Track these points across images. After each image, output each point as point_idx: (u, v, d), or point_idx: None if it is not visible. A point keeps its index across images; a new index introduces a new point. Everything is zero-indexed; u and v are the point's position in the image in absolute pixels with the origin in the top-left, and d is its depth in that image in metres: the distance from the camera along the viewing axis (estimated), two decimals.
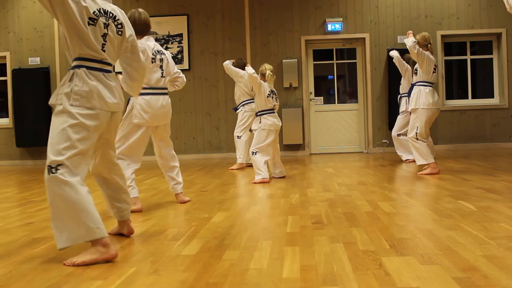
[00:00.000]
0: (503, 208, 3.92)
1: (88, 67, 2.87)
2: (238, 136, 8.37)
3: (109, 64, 2.99)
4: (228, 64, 8.36)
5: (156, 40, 10.99)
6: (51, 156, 2.71)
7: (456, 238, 3.00)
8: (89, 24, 2.86)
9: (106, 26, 2.94)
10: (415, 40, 6.52)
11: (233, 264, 2.62)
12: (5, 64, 11.30)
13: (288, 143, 10.83)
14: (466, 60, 11.18)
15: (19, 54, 11.23)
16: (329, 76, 11.39)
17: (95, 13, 2.89)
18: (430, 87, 6.57)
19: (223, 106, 10.94)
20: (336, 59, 11.26)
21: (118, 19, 3.03)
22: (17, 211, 4.67)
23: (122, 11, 3.12)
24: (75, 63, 2.88)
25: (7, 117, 11.32)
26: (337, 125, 11.14)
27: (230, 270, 2.51)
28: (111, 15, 2.98)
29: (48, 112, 11.04)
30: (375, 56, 10.81)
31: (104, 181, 3.24)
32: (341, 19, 10.82)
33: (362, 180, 6.02)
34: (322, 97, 11.23)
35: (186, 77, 11.34)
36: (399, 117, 8.66)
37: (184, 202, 4.85)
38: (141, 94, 4.47)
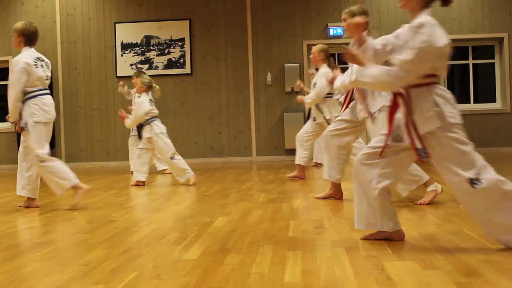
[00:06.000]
0: None
1: None
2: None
3: None
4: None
5: (158, 44, 11.02)
6: None
7: (458, 243, 2.99)
8: None
9: None
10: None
11: (234, 269, 2.61)
12: (7, 68, 11.30)
13: (290, 148, 10.82)
14: (468, 64, 11.18)
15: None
16: None
17: None
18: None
19: (225, 111, 10.95)
20: (338, 64, 11.27)
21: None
22: (19, 215, 4.67)
23: None
24: None
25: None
26: None
27: (231, 275, 2.51)
28: None
29: None
30: None
31: None
32: None
33: None
34: None
35: (188, 82, 11.34)
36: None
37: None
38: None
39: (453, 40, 11.22)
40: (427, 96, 2.87)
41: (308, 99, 6.64)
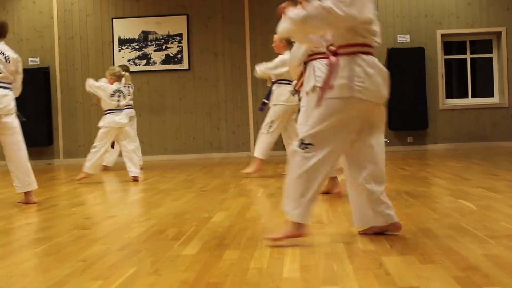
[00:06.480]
0: (504, 207, 3.91)
1: None
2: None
3: None
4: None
5: (156, 39, 11.00)
6: None
7: (456, 237, 2.99)
8: None
9: None
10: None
11: (233, 264, 2.62)
12: None
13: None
14: (466, 59, 11.18)
15: (19, 54, 11.09)
16: None
17: None
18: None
19: (223, 106, 10.95)
20: None
21: None
22: (17, 211, 4.67)
23: None
24: None
25: None
26: None
27: (230, 270, 2.51)
28: None
29: (48, 112, 11.03)
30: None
31: None
32: None
33: None
34: None
35: (186, 77, 11.30)
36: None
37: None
38: None
39: (451, 35, 11.29)
40: (348, 64, 2.84)
41: (257, 69, 6.75)
